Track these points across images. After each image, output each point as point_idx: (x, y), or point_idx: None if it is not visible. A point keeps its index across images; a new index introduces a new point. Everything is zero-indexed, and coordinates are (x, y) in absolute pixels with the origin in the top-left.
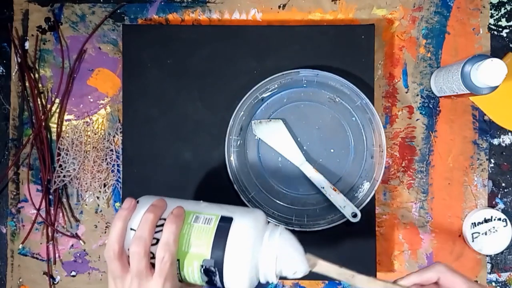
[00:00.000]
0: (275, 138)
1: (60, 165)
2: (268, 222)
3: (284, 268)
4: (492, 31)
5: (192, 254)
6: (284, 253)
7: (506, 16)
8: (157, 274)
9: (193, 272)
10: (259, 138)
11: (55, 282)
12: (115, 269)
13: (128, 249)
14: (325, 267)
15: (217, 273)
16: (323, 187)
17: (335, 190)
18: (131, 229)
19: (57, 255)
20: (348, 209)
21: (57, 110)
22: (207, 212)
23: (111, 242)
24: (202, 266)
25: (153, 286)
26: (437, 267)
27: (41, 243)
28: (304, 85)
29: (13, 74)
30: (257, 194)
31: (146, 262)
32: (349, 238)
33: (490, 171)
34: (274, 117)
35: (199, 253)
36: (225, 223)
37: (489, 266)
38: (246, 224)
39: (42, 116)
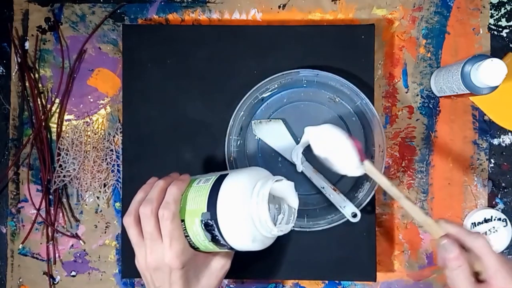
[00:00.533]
0: (275, 138)
1: (60, 165)
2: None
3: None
4: (492, 31)
5: (192, 211)
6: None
7: (506, 16)
8: (162, 234)
9: (197, 231)
10: (259, 138)
11: (55, 282)
12: (133, 235)
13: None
14: (380, 178)
15: (215, 226)
16: (323, 187)
17: (335, 190)
18: None
19: (57, 255)
20: (348, 209)
21: (57, 110)
22: (209, 175)
23: (131, 209)
24: (201, 221)
25: (161, 246)
26: (480, 241)
27: (41, 243)
28: (304, 85)
29: (13, 74)
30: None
31: (155, 223)
32: (349, 238)
33: (490, 171)
34: (274, 117)
35: (198, 208)
36: (220, 179)
37: None
38: (238, 177)
39: (42, 116)
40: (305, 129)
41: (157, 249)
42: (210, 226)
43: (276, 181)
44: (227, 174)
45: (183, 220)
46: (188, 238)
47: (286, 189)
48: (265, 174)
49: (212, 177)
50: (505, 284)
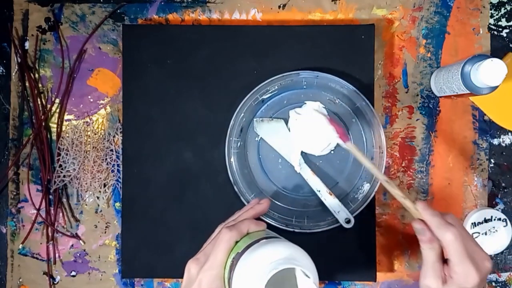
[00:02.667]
0: (275, 138)
1: (60, 165)
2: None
3: None
4: (492, 31)
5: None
6: None
7: (506, 16)
8: None
9: None
10: (259, 140)
11: (55, 282)
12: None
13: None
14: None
15: None
16: (319, 191)
17: (330, 195)
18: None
19: (57, 255)
20: (342, 214)
21: (57, 110)
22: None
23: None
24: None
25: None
26: (454, 232)
27: (41, 243)
28: (304, 87)
29: (13, 74)
30: (257, 195)
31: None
32: (349, 239)
33: (490, 171)
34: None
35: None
36: (235, 262)
37: None
38: (246, 264)
39: (42, 116)
40: (289, 112)
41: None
42: None
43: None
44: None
45: None
46: None
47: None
48: (286, 254)
49: (232, 255)
50: (465, 276)
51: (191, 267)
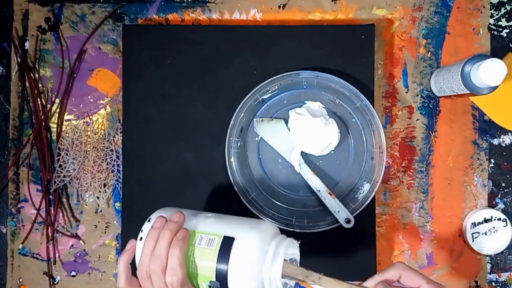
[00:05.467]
0: (275, 138)
1: (60, 165)
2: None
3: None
4: (492, 31)
5: (199, 276)
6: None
7: (506, 16)
8: None
9: None
10: (259, 140)
11: (55, 282)
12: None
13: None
14: (291, 269)
15: None
16: (319, 191)
17: (330, 195)
18: (141, 238)
19: (57, 255)
20: (342, 214)
21: (57, 110)
22: (211, 232)
23: (144, 261)
24: (210, 286)
25: None
26: (397, 265)
27: (41, 243)
28: (304, 87)
29: (13, 74)
30: (257, 195)
31: (164, 280)
32: (349, 239)
33: (490, 171)
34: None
35: (205, 275)
36: (227, 244)
37: (489, 266)
38: (248, 244)
39: (42, 116)
40: (289, 112)
41: None
42: None
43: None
44: (232, 238)
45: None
46: None
47: (292, 247)
48: (272, 233)
49: (215, 238)
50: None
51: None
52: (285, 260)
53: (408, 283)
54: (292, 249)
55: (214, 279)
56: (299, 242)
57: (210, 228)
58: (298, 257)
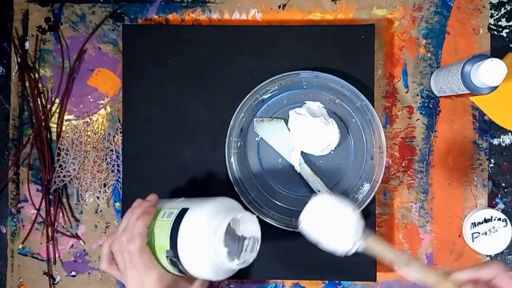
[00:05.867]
0: (275, 138)
1: (60, 165)
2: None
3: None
4: (492, 31)
5: (158, 247)
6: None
7: (506, 16)
8: (135, 266)
9: (165, 264)
10: (259, 140)
11: (55, 282)
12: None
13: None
14: (379, 247)
15: (178, 263)
16: (319, 191)
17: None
18: None
19: (57, 255)
20: None
21: (57, 110)
22: (174, 207)
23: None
24: (167, 257)
25: (138, 277)
26: (494, 265)
27: (41, 243)
28: (304, 87)
29: (13, 74)
30: (258, 195)
31: (124, 257)
32: None
33: (490, 171)
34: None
35: (162, 245)
36: (181, 214)
37: None
38: (197, 213)
39: (42, 116)
40: (289, 112)
41: (135, 279)
42: (175, 263)
43: (234, 217)
44: (186, 209)
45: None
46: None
47: (249, 221)
48: (226, 207)
49: (174, 210)
50: None
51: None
52: (366, 238)
53: (501, 287)
54: (249, 224)
55: (168, 247)
56: (256, 215)
57: (175, 204)
58: (258, 235)
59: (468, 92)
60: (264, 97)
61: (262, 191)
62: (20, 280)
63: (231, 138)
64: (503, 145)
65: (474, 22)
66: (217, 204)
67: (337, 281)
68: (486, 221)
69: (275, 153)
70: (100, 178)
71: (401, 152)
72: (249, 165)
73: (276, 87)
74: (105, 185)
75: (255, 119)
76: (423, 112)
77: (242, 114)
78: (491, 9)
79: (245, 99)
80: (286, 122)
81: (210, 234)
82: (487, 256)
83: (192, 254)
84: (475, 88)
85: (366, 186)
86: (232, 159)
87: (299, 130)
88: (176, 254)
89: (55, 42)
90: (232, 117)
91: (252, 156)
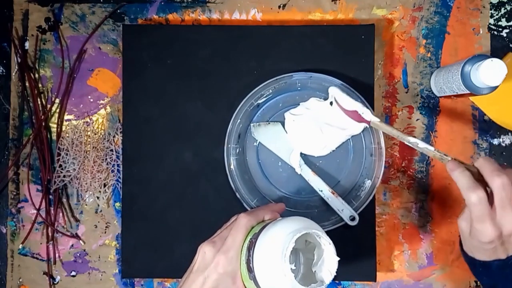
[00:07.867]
0: (274, 141)
1: (60, 165)
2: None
3: None
4: (492, 31)
5: (242, 265)
6: None
7: (506, 16)
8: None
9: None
10: (258, 144)
11: (55, 282)
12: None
13: None
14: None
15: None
16: (322, 191)
17: (333, 194)
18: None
19: (57, 255)
20: (346, 212)
21: (57, 110)
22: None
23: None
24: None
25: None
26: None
27: (41, 243)
28: (299, 88)
29: (13, 74)
30: (260, 200)
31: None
32: (350, 238)
33: None
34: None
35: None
36: (254, 240)
37: None
38: (266, 239)
39: (42, 116)
40: (285, 115)
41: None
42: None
43: (303, 234)
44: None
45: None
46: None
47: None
48: (297, 227)
49: (249, 237)
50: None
51: (206, 249)
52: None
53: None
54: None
55: (246, 272)
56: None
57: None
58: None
59: (468, 92)
60: (259, 101)
61: (264, 195)
62: (20, 280)
63: (229, 145)
64: (503, 145)
65: (474, 22)
66: (284, 226)
67: (337, 281)
68: None
69: (275, 157)
70: (100, 178)
71: (401, 152)
72: (249, 170)
73: (271, 90)
74: (105, 185)
75: (251, 124)
76: (423, 112)
77: (239, 120)
78: (491, 9)
79: (240, 105)
80: (283, 125)
81: (282, 255)
82: None
83: (267, 276)
84: (475, 88)
85: (368, 183)
86: (232, 166)
87: (296, 131)
88: (252, 276)
89: (55, 42)
90: (230, 122)
91: (251, 162)
